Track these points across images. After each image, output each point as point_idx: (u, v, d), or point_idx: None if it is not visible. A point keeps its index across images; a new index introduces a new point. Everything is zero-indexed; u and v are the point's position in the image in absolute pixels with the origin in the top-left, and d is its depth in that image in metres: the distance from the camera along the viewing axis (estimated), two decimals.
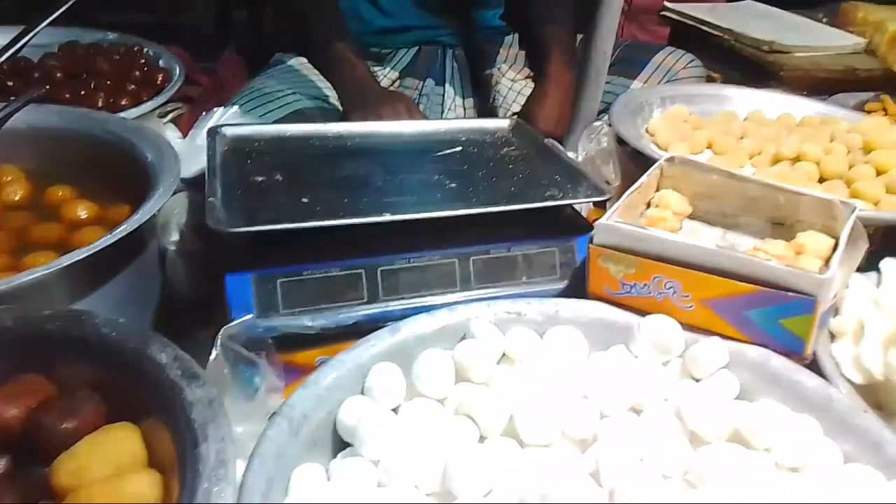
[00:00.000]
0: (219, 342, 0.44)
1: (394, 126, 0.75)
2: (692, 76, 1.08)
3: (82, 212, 0.62)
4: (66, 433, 0.37)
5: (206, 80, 1.04)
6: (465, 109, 1.07)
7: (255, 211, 0.54)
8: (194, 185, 0.68)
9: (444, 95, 1.04)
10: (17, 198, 0.64)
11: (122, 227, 0.50)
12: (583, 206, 0.72)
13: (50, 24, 1.02)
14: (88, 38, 0.99)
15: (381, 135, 0.73)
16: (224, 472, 0.33)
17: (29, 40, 0.99)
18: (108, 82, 0.79)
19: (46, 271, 0.45)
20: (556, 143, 0.72)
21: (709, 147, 0.83)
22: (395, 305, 0.55)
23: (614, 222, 0.53)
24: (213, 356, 0.43)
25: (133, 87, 0.80)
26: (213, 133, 0.65)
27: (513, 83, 1.09)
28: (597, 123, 0.75)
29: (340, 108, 0.97)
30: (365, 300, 0.55)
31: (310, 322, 0.53)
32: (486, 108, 1.08)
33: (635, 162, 0.75)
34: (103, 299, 0.52)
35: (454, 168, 0.66)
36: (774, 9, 1.40)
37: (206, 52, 1.19)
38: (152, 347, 0.40)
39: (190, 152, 0.72)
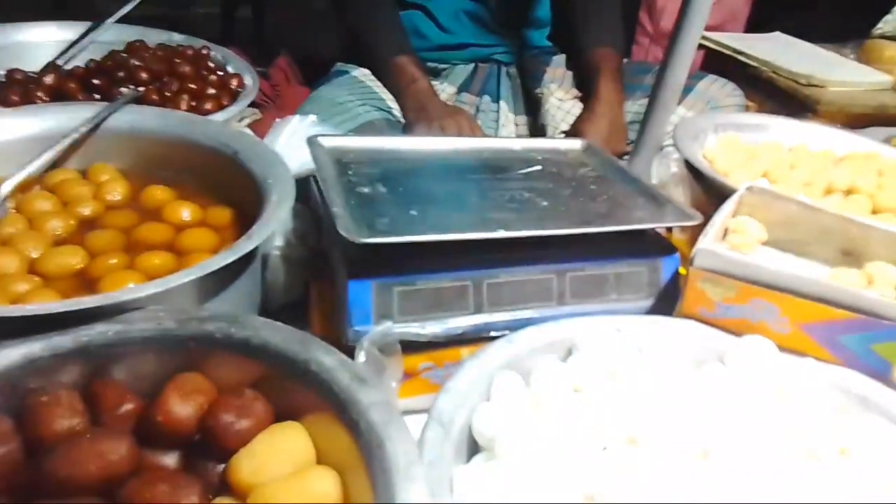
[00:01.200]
0: (365, 346, 0.46)
1: (473, 143, 0.78)
2: (734, 104, 1.12)
3: (186, 213, 0.63)
4: (242, 432, 0.39)
5: (266, 84, 1.06)
6: (517, 126, 1.10)
7: (374, 222, 0.56)
8: None
9: (498, 111, 1.07)
10: (118, 197, 0.65)
11: (255, 234, 0.52)
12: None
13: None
14: (153, 37, 1.00)
15: (464, 150, 0.76)
16: (416, 472, 0.35)
17: (93, 36, 1.02)
18: (192, 86, 0.80)
19: (197, 274, 0.47)
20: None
21: (764, 175, 0.87)
22: (498, 317, 0.58)
23: (717, 248, 0.56)
24: (360, 359, 0.45)
25: (213, 91, 0.82)
26: (313, 143, 0.67)
27: (561, 102, 1.12)
28: (668, 149, 0.79)
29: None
30: (471, 311, 0.57)
31: (422, 330, 0.55)
32: (536, 125, 1.11)
33: (702, 187, 0.78)
34: (221, 303, 0.54)
35: (540, 186, 0.69)
36: (805, 42, 1.45)
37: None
38: (316, 351, 0.42)
39: None
